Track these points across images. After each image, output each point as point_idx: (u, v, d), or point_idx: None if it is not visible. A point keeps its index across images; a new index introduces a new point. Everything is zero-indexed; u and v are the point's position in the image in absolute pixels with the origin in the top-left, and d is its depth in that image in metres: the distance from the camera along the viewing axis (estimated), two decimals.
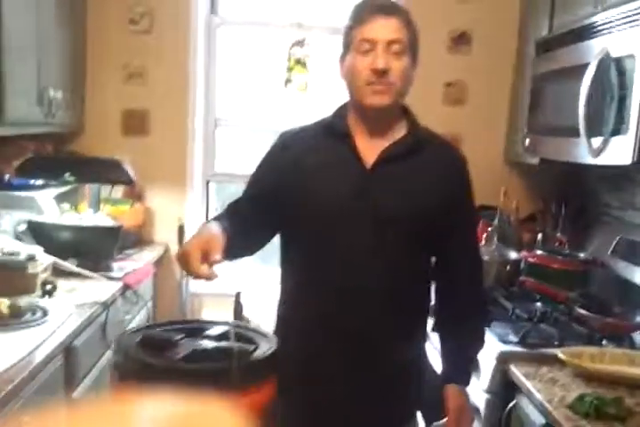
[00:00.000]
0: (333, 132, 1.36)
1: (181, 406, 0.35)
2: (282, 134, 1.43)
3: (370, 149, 1.32)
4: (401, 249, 1.30)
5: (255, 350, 1.11)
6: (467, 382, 1.39)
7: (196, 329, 1.18)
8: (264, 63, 2.74)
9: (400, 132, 1.35)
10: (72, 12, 2.35)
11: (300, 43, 2.62)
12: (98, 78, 2.59)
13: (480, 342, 1.43)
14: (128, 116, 2.62)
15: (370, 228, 1.29)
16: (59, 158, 2.30)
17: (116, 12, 2.57)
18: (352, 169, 1.32)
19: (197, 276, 1.09)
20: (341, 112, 1.38)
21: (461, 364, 1.41)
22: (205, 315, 2.79)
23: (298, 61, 2.59)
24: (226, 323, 1.20)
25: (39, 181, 2.24)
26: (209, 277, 1.09)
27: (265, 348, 1.12)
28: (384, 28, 1.27)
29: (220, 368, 1.04)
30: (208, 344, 1.10)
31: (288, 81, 2.64)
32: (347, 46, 1.32)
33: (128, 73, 2.58)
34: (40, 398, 1.38)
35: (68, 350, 1.60)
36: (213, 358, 1.07)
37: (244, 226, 1.29)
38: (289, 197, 1.33)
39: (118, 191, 2.61)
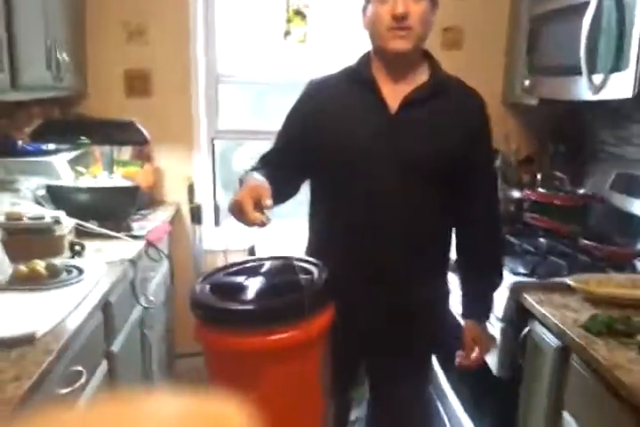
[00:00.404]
0: (358, 78, 1.41)
1: (186, 404, 0.33)
2: (309, 83, 1.49)
3: (393, 94, 1.38)
4: (423, 190, 1.38)
5: (313, 279, 1.20)
6: (486, 317, 1.52)
7: (253, 268, 1.27)
8: (263, 16, 2.73)
9: (422, 76, 1.40)
10: None
11: None
12: (99, 39, 2.58)
13: (498, 280, 1.53)
14: (131, 77, 2.62)
15: (393, 169, 1.36)
16: (72, 122, 2.33)
17: None
18: (376, 113, 1.38)
19: (252, 223, 1.16)
20: (365, 60, 1.44)
21: (480, 300, 1.52)
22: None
23: (297, 12, 2.59)
24: (278, 257, 1.28)
25: (52, 146, 2.28)
26: (263, 224, 1.16)
27: (321, 276, 1.22)
28: None
29: (292, 302, 1.15)
30: (270, 281, 1.19)
31: (287, 33, 2.64)
32: None
33: (128, 32, 2.57)
34: (86, 352, 1.46)
35: (105, 306, 1.67)
36: (280, 293, 1.16)
37: (280, 174, 1.36)
38: (315, 141, 1.40)
39: (126, 153, 2.65)
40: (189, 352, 2.75)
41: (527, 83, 2.31)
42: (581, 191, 2.28)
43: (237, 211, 1.18)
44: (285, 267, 1.27)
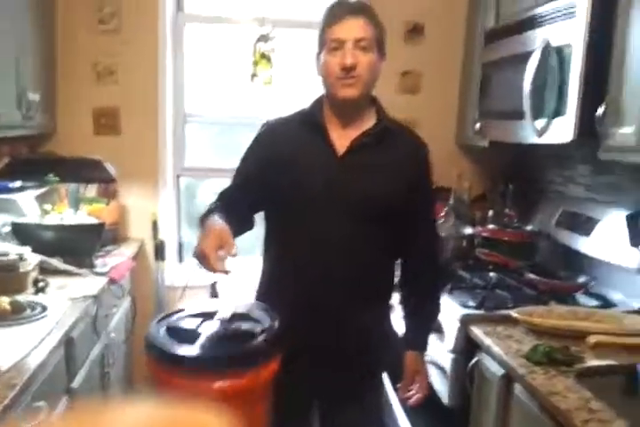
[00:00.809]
0: (309, 122, 1.51)
1: (164, 412, 0.33)
2: (264, 124, 1.59)
3: (342, 139, 1.48)
4: (368, 230, 1.46)
5: (264, 329, 1.26)
6: (424, 348, 1.60)
7: (210, 313, 1.34)
8: (230, 58, 2.85)
9: (369, 122, 1.50)
10: (43, 14, 2.41)
11: (264, 37, 2.72)
12: (69, 79, 2.66)
13: (437, 312, 1.63)
14: (99, 115, 2.70)
15: (340, 212, 1.44)
16: (39, 159, 2.38)
17: (84, 12, 2.64)
18: (325, 157, 1.47)
19: (217, 271, 1.26)
20: (317, 104, 1.53)
21: (423, 332, 1.60)
22: (181, 304, 2.91)
23: (263, 56, 2.71)
24: (231, 304, 1.35)
25: (18, 183, 2.32)
26: (226, 273, 1.27)
27: (272, 327, 1.27)
28: (351, 28, 1.41)
29: (239, 351, 1.22)
30: (224, 327, 1.27)
31: (254, 75, 2.75)
32: (321, 46, 1.47)
33: (97, 72, 2.67)
34: (48, 388, 1.48)
35: (67, 342, 1.69)
36: (231, 340, 1.24)
37: (237, 211, 1.45)
38: (268, 181, 1.48)
39: (92, 190, 2.70)
40: (148, 389, 2.75)
41: (478, 126, 2.45)
42: (529, 228, 2.41)
43: (202, 259, 1.27)
44: (241, 314, 1.33)
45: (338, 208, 1.45)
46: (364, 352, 1.51)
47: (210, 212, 1.46)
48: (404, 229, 1.51)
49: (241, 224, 1.45)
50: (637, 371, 1.41)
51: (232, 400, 1.26)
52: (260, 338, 1.24)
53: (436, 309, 1.63)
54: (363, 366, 1.53)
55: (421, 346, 1.60)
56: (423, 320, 1.62)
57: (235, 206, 1.48)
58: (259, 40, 2.75)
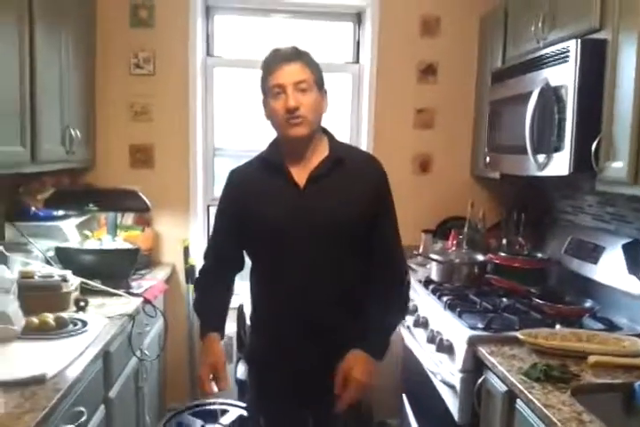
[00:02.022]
0: (269, 164, 1.68)
1: None
2: (230, 172, 1.77)
3: (301, 173, 1.64)
4: (336, 249, 1.62)
5: None
6: (378, 353, 1.62)
7: (215, 413, 1.70)
8: (254, 97, 3.05)
9: (324, 153, 1.66)
10: (84, 57, 2.66)
11: None
12: (107, 117, 2.90)
13: (396, 318, 1.72)
14: (135, 151, 2.93)
15: (308, 235, 1.60)
16: (81, 191, 2.59)
17: (121, 57, 2.89)
18: (288, 191, 1.63)
19: (207, 394, 1.62)
20: (274, 146, 1.72)
21: (378, 335, 1.65)
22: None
23: None
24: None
25: (61, 212, 2.53)
26: (214, 393, 1.63)
27: None
28: (289, 74, 1.58)
29: None
30: None
31: None
32: (264, 92, 1.65)
33: (134, 111, 2.91)
34: (87, 396, 1.64)
35: (105, 355, 1.86)
36: None
37: (226, 276, 1.79)
38: (244, 223, 1.67)
39: (129, 218, 2.91)
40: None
41: (488, 159, 2.60)
42: (539, 255, 2.51)
43: (199, 382, 1.62)
44: (242, 420, 1.61)
45: (306, 234, 1.60)
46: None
47: (202, 304, 1.77)
48: (368, 243, 1.65)
49: (229, 299, 1.79)
50: (634, 389, 1.50)
51: None
52: None
53: (401, 315, 1.73)
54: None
55: (374, 349, 1.62)
56: (385, 325, 1.67)
57: (222, 269, 1.76)
58: None
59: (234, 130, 3.14)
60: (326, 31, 3.14)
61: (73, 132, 2.39)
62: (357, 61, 3.14)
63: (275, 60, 1.62)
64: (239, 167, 1.77)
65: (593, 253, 2.22)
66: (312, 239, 1.61)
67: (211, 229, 3.12)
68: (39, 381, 1.44)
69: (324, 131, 1.72)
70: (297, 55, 1.62)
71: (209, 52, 3.06)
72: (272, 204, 1.64)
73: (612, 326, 1.97)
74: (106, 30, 2.85)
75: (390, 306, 1.68)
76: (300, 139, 1.62)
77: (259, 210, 1.64)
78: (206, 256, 1.81)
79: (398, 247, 1.73)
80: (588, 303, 2.08)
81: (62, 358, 1.60)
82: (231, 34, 3.10)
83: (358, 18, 3.12)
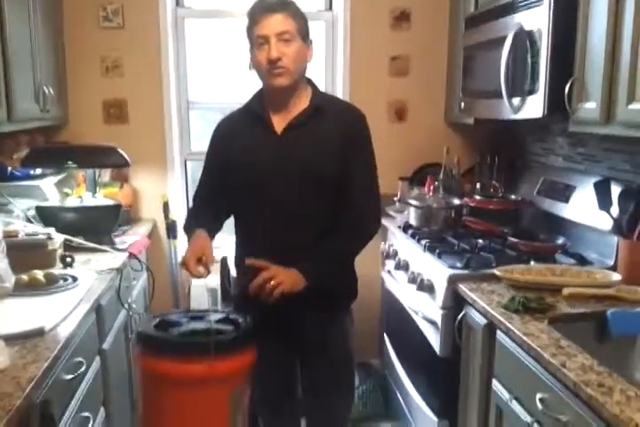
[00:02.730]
0: (252, 112, 1.76)
1: None
2: (218, 122, 1.87)
3: (280, 121, 1.72)
4: (310, 195, 1.71)
5: (232, 330, 1.64)
6: (306, 272, 1.65)
7: (202, 316, 1.75)
8: (229, 48, 3.02)
9: (306, 103, 1.73)
10: (52, 14, 2.59)
11: None
12: (79, 73, 2.85)
13: (342, 253, 1.76)
14: (109, 107, 2.89)
15: (284, 181, 1.69)
16: (58, 148, 2.56)
17: (89, 11, 2.81)
18: (266, 139, 1.72)
19: (195, 276, 1.64)
20: (257, 96, 1.79)
21: (316, 261, 1.69)
22: (194, 279, 3.12)
23: None
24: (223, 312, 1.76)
25: (38, 171, 2.51)
26: (203, 276, 1.64)
27: (241, 328, 1.67)
28: (272, 24, 1.62)
29: (198, 342, 1.58)
30: (200, 325, 1.67)
31: None
32: (250, 42, 1.69)
33: (105, 66, 2.86)
34: (84, 347, 1.68)
35: (98, 309, 1.90)
36: (201, 335, 1.61)
37: (214, 210, 1.82)
38: (225, 169, 1.77)
39: (105, 176, 2.89)
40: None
41: (463, 105, 2.63)
42: (513, 197, 2.60)
43: (185, 267, 1.64)
44: (224, 318, 1.71)
45: (282, 180, 1.70)
46: (326, 292, 1.72)
47: (190, 221, 1.83)
48: (343, 184, 1.72)
49: (217, 224, 1.85)
50: (607, 317, 1.60)
51: (191, 383, 1.60)
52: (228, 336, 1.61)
53: (341, 249, 1.74)
54: (326, 304, 1.77)
55: (306, 270, 1.65)
56: (325, 252, 1.71)
57: (209, 206, 1.82)
58: None
59: (208, 83, 3.10)
60: None
61: (46, 90, 2.35)
62: (330, 9, 3.10)
63: (259, 10, 1.64)
64: (225, 116, 1.85)
65: (564, 193, 2.31)
66: (288, 185, 1.69)
67: (189, 184, 3.18)
68: (39, 333, 1.48)
69: (309, 82, 1.76)
70: (281, 5, 1.64)
71: (179, 3, 2.99)
72: (250, 150, 1.72)
73: (583, 261, 2.07)
74: None
75: (342, 241, 1.73)
76: (282, 89, 1.67)
77: (238, 156, 1.73)
78: (194, 199, 1.92)
79: (370, 198, 1.77)
80: (560, 240, 2.18)
81: (57, 312, 1.62)
82: None
83: None
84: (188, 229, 1.81)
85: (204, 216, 1.81)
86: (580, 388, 1.21)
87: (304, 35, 1.67)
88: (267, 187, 1.72)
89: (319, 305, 1.74)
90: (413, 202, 2.56)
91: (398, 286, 2.45)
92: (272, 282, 1.60)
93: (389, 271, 2.58)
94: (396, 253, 2.50)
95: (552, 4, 1.85)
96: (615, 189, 1.94)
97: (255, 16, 1.65)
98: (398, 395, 2.60)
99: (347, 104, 1.84)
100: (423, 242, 2.28)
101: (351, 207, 1.74)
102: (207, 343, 1.54)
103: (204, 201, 1.87)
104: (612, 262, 1.99)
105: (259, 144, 1.73)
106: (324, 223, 1.74)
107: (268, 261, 1.66)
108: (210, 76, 3.10)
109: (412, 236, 2.43)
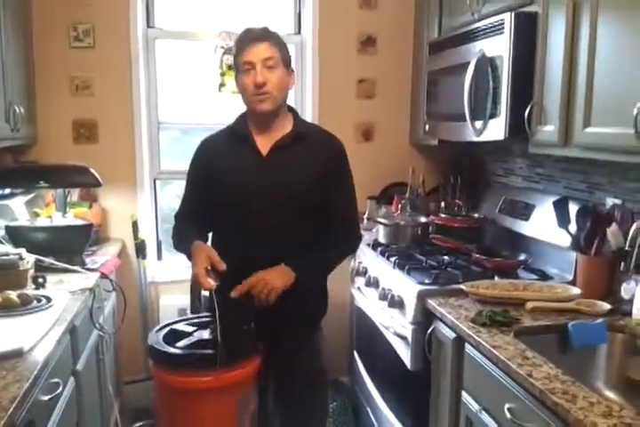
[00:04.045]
0: (237, 134, 1.84)
1: None
2: (201, 142, 1.93)
3: (265, 143, 1.81)
4: (291, 213, 1.78)
5: (237, 341, 1.70)
6: (299, 269, 1.72)
7: (207, 322, 1.83)
8: (199, 70, 3.07)
9: (287, 128, 1.83)
10: (22, 33, 2.59)
11: (230, 50, 2.95)
12: (49, 92, 2.84)
13: (330, 259, 1.85)
14: (78, 126, 2.89)
15: (270, 197, 1.76)
16: (28, 168, 2.54)
17: (60, 30, 2.82)
18: (252, 158, 1.80)
19: (207, 289, 1.66)
20: (242, 118, 1.88)
21: (305, 261, 1.76)
22: (163, 299, 3.12)
23: (229, 67, 2.94)
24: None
25: (7, 190, 2.49)
26: (213, 288, 1.64)
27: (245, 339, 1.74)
28: (258, 52, 1.74)
29: (208, 355, 1.67)
30: (206, 335, 1.77)
31: (222, 85, 3.00)
32: (236, 69, 1.80)
33: (76, 86, 2.86)
34: (60, 368, 1.68)
35: (72, 329, 1.89)
36: (208, 345, 1.70)
37: (198, 227, 1.85)
38: (208, 187, 1.82)
39: (73, 195, 2.88)
40: (134, 380, 2.96)
41: (427, 127, 2.74)
42: (476, 215, 2.70)
43: (197, 282, 1.66)
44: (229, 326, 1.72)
45: (265, 198, 1.77)
46: (303, 307, 1.80)
47: (180, 238, 1.86)
48: (325, 207, 1.81)
49: (204, 239, 1.87)
50: (568, 329, 1.69)
51: (200, 394, 1.68)
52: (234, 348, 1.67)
53: (330, 256, 1.84)
54: (303, 320, 1.85)
55: (295, 263, 1.73)
56: (315, 257, 1.79)
57: (193, 223, 1.86)
58: (225, 53, 2.99)
59: (178, 103, 3.13)
60: (267, 2, 3.15)
61: (17, 109, 2.35)
62: (299, 33, 3.19)
63: (246, 39, 1.75)
64: (209, 136, 1.92)
65: (524, 211, 2.42)
66: (272, 205, 1.76)
67: (158, 203, 3.19)
68: (17, 354, 1.48)
69: (290, 109, 1.87)
70: (266, 35, 1.76)
71: (150, 24, 3.02)
72: (237, 171, 1.79)
73: (544, 276, 2.17)
74: (43, 3, 2.78)
75: (332, 247, 1.83)
76: (266, 113, 1.77)
77: (224, 176, 1.79)
78: (178, 217, 1.95)
79: (353, 218, 1.91)
80: (522, 256, 2.28)
81: (34, 333, 1.62)
82: (172, 5, 3.07)
83: None
84: (181, 245, 1.83)
85: (192, 232, 1.84)
86: (547, 396, 1.29)
87: (286, 63, 1.79)
88: (251, 206, 1.78)
89: (293, 320, 1.80)
90: (382, 220, 2.64)
91: (369, 303, 2.51)
92: (264, 291, 1.66)
93: (359, 288, 2.64)
94: (365, 271, 2.56)
95: (512, 33, 1.96)
96: (573, 208, 2.05)
97: (242, 44, 1.75)
98: (369, 411, 2.64)
99: (328, 132, 1.92)
100: (392, 259, 2.35)
101: (336, 226, 1.83)
102: (214, 357, 1.63)
103: (188, 219, 1.91)
104: (571, 277, 2.09)
105: (245, 165, 1.80)
106: (305, 242, 1.80)
107: (247, 278, 1.70)
108: (180, 96, 3.14)
109: (382, 253, 2.50)
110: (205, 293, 2.65)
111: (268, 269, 1.71)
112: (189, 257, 1.74)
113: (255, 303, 1.68)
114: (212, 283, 1.64)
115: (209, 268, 1.66)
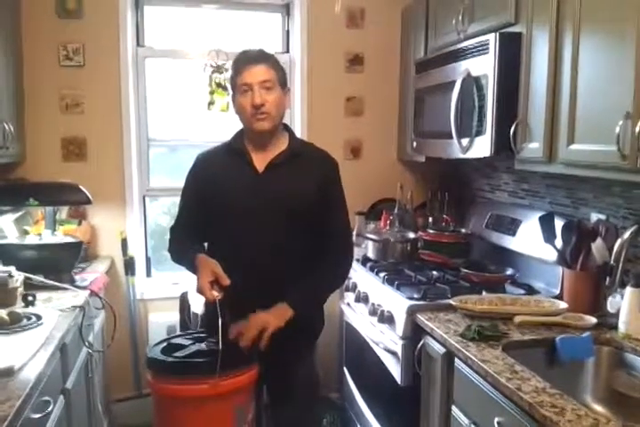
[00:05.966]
0: (234, 150, 1.88)
1: None
2: (197, 156, 1.96)
3: (260, 161, 1.85)
4: (286, 227, 1.80)
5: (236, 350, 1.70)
6: (293, 305, 1.75)
7: (204, 337, 1.84)
8: (188, 88, 3.11)
9: (283, 145, 1.88)
10: (12, 51, 2.61)
11: (219, 68, 3.00)
12: (38, 110, 2.86)
13: (328, 283, 1.88)
14: (67, 144, 2.90)
15: (262, 214, 1.79)
16: (18, 186, 2.54)
17: (50, 49, 2.84)
18: (248, 175, 1.84)
19: (211, 301, 1.68)
20: (238, 135, 1.91)
21: (301, 293, 1.79)
22: (152, 316, 3.11)
23: (218, 85, 2.99)
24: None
25: None
26: (217, 298, 1.68)
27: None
28: (255, 74, 1.78)
29: (203, 364, 1.69)
30: (203, 347, 1.77)
31: (211, 103, 3.03)
32: (234, 90, 1.84)
33: (65, 104, 2.88)
34: (50, 387, 1.66)
35: (62, 347, 1.88)
36: (206, 355, 1.71)
37: (194, 241, 1.88)
38: (206, 201, 1.85)
39: (62, 213, 2.88)
40: (123, 397, 2.94)
41: (415, 144, 2.78)
42: (463, 230, 2.74)
43: (201, 293, 1.70)
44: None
45: (262, 213, 1.80)
46: (298, 325, 1.78)
47: (179, 252, 1.88)
48: (318, 224, 1.84)
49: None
50: (555, 343, 1.72)
51: (198, 402, 1.69)
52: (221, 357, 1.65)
53: (327, 280, 1.87)
54: (299, 336, 1.83)
55: (292, 302, 1.75)
56: (311, 283, 1.81)
57: (190, 237, 1.87)
58: (214, 71, 3.02)
59: (168, 120, 3.16)
60: (256, 21, 3.21)
61: (6, 127, 2.36)
62: (288, 51, 3.24)
63: (243, 61, 1.79)
64: (205, 151, 1.95)
65: (511, 227, 2.45)
66: (264, 218, 1.79)
67: (147, 220, 3.19)
68: (8, 373, 1.47)
69: (286, 127, 1.91)
70: (263, 57, 1.80)
71: (139, 43, 3.06)
72: (232, 184, 1.82)
73: (531, 290, 2.21)
74: (33, 22, 2.80)
75: (327, 270, 1.85)
76: (263, 132, 1.81)
77: (220, 189, 1.82)
78: (174, 230, 1.96)
79: (346, 228, 1.93)
80: (509, 271, 2.31)
81: (24, 351, 1.61)
82: (161, 24, 3.11)
83: (287, 9, 3.22)
84: (184, 259, 1.84)
85: (192, 246, 1.85)
86: (535, 409, 1.31)
87: (282, 84, 1.83)
88: (247, 222, 1.80)
89: (293, 335, 1.78)
90: (371, 236, 2.66)
91: (358, 319, 2.52)
92: (261, 334, 1.69)
93: (349, 304, 2.65)
94: (355, 286, 2.58)
95: (497, 52, 2.01)
96: (558, 223, 2.09)
97: (239, 66, 1.79)
98: None
99: (322, 151, 1.95)
100: (382, 274, 2.37)
101: (332, 243, 1.86)
102: (211, 365, 1.64)
103: (184, 232, 1.92)
104: (557, 291, 2.13)
105: (240, 181, 1.83)
106: (300, 257, 1.83)
107: (244, 321, 1.72)
108: (170, 113, 3.16)
109: (371, 269, 2.53)
110: (198, 310, 2.68)
111: (260, 315, 1.72)
112: (194, 271, 1.77)
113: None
114: (215, 294, 1.69)
115: (213, 281, 1.70)
